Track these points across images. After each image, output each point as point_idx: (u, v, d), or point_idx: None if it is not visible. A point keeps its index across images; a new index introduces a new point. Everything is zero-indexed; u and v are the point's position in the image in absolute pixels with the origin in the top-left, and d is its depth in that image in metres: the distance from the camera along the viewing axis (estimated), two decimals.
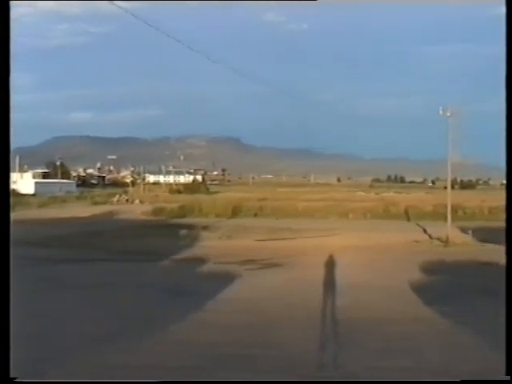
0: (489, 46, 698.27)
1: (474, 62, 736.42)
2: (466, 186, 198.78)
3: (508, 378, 7.35)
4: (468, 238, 41.75)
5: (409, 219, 63.13)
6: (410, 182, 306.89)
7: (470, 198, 79.07)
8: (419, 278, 23.81)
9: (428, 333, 14.68)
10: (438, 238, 41.29)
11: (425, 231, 46.52)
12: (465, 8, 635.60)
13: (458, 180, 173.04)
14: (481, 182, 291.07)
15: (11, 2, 7.24)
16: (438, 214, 55.62)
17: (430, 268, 26.84)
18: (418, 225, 52.27)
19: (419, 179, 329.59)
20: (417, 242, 40.04)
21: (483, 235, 42.11)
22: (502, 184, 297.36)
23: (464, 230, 44.55)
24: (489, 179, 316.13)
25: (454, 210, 52.02)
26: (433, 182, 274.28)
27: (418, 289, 20.96)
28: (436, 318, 16.29)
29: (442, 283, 22.90)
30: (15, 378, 7.26)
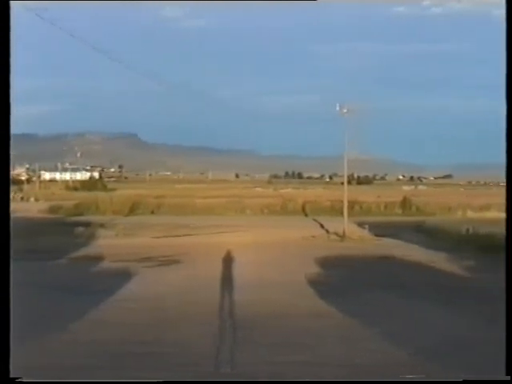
0: (387, 45, 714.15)
1: (373, 60, 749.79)
2: (363, 181, 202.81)
3: (508, 378, 7.45)
4: (364, 233, 42.48)
5: (306, 215, 63.78)
6: (308, 178, 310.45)
7: (366, 194, 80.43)
8: (316, 273, 24.00)
9: (325, 326, 14.75)
10: (335, 233, 41.85)
11: (322, 226, 47.08)
12: (365, 7, 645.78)
13: (355, 176, 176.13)
14: (377, 177, 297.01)
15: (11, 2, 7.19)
16: (335, 210, 56.36)
17: (326, 263, 27.13)
18: (316, 220, 52.87)
19: (317, 175, 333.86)
20: (314, 237, 40.43)
21: (379, 230, 42.95)
22: (397, 179, 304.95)
23: (360, 225, 45.29)
24: (385, 175, 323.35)
25: (351, 205, 52.80)
26: (330, 178, 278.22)
27: (315, 283, 21.11)
28: (333, 312, 16.41)
29: (339, 277, 23.15)
30: (15, 378, 7.28)
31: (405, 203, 71.41)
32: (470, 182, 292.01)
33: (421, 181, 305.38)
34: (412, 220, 52.62)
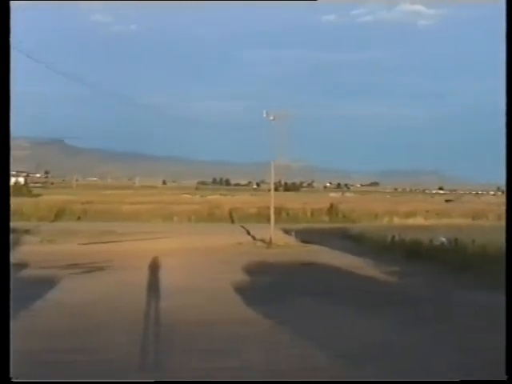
0: (317, 52, 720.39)
1: (303, 67, 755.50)
2: (290, 188, 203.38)
3: (507, 377, 7.32)
4: (291, 240, 42.60)
5: (233, 221, 63.80)
6: (236, 185, 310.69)
7: (293, 201, 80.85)
8: (242, 280, 23.90)
9: (251, 333, 14.65)
10: (262, 240, 41.90)
11: (248, 233, 47.13)
12: (295, 14, 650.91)
13: (283, 182, 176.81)
14: (305, 184, 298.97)
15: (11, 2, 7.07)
16: (262, 216, 56.60)
17: (252, 269, 27.07)
18: (243, 227, 52.88)
19: (244, 182, 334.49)
20: (240, 243, 40.41)
21: (305, 236, 43.15)
22: (325, 186, 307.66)
23: (287, 232, 45.43)
24: (312, 182, 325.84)
25: (278, 212, 53.03)
26: (257, 185, 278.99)
27: (242, 290, 21.01)
28: (259, 319, 16.33)
29: (265, 284, 23.12)
30: (15, 378, 7.31)
31: (331, 210, 72.05)
32: (396, 189, 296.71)
33: (348, 188, 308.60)
34: (339, 227, 53.05)
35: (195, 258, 32.41)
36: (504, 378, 7.31)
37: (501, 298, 19.65)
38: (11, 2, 7.04)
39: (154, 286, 22.07)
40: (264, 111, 44.29)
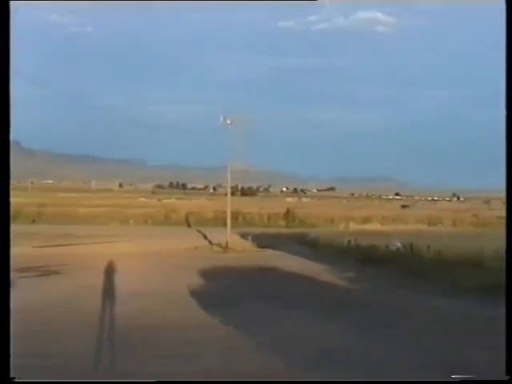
0: (274, 58, 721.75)
1: (261, 73, 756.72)
2: (247, 192, 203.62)
3: (508, 377, 7.37)
4: (247, 244, 42.58)
5: (189, 225, 63.63)
6: (192, 189, 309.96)
7: (250, 205, 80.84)
8: (199, 284, 23.83)
9: (207, 337, 14.60)
10: (218, 244, 41.84)
11: (205, 237, 47.01)
12: (253, 20, 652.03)
13: (239, 187, 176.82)
14: (261, 189, 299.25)
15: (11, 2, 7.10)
16: (219, 220, 56.53)
17: (209, 274, 27.00)
18: (199, 231, 52.71)
19: (201, 186, 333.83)
20: (197, 248, 40.31)
21: (262, 241, 43.14)
22: (281, 191, 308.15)
23: (244, 236, 45.42)
24: (269, 186, 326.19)
25: (234, 216, 53.01)
26: (214, 189, 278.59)
27: (198, 294, 20.94)
28: (215, 323, 16.29)
29: (221, 288, 23.09)
30: (15, 378, 7.45)
31: (288, 215, 72.22)
32: (353, 195, 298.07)
33: (304, 193, 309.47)
34: (295, 232, 53.18)
35: (151, 261, 32.25)
36: (504, 378, 7.41)
37: (456, 303, 19.77)
38: (11, 2, 7.10)
39: (109, 290, 21.85)
40: (221, 116, 44.28)
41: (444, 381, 10.59)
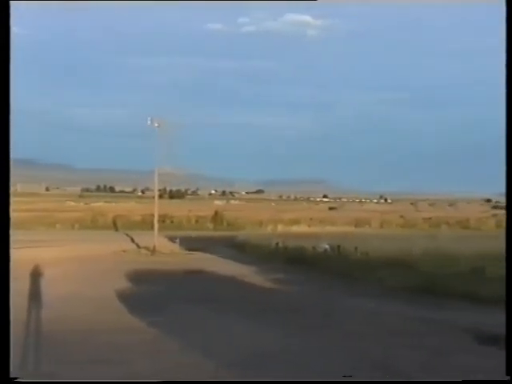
0: (202, 60, 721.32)
1: (188, 75, 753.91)
2: (175, 195, 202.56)
3: (508, 378, 7.36)
4: (175, 247, 42.47)
5: (117, 229, 63.14)
6: (120, 192, 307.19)
7: (178, 208, 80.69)
8: (126, 288, 23.65)
9: (135, 341, 14.47)
10: (146, 247, 41.61)
11: (133, 241, 46.70)
12: (180, 22, 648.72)
13: (168, 190, 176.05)
14: (190, 192, 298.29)
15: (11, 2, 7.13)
16: (147, 224, 56.17)
17: (137, 277, 26.82)
18: (127, 234, 52.33)
19: (129, 189, 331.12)
20: (125, 251, 40.02)
21: (190, 244, 43.07)
22: (210, 194, 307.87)
23: (172, 239, 45.26)
24: (197, 189, 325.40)
25: (162, 219, 52.88)
26: (142, 192, 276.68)
27: (125, 298, 20.77)
28: (143, 327, 16.21)
29: (149, 292, 22.92)
30: (15, 378, 7.57)
31: (216, 218, 72.28)
32: (281, 197, 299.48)
33: (233, 195, 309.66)
34: (223, 234, 53.29)
35: (78, 266, 31.81)
36: (504, 378, 7.45)
37: (382, 303, 19.91)
38: (11, 2, 7.15)
39: (35, 295, 21.47)
40: (148, 118, 44.09)
41: (444, 381, 10.65)
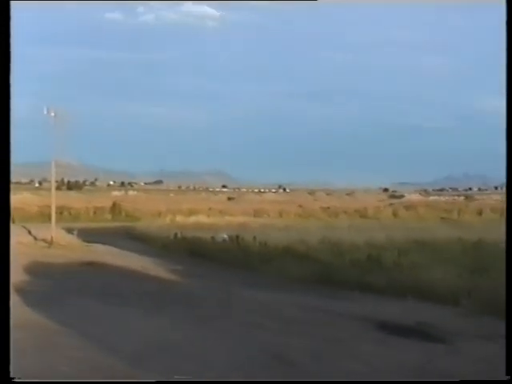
0: (98, 51, 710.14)
1: (83, 66, 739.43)
2: (73, 186, 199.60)
3: (508, 377, 7.36)
4: (73, 239, 41.96)
5: (14, 221, 61.77)
6: (17, 183, 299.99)
7: (76, 200, 79.63)
8: (22, 281, 23.20)
9: (30, 336, 14.24)
10: (43, 240, 40.97)
11: (30, 233, 45.81)
12: (77, 11, 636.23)
13: (65, 181, 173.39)
14: (88, 183, 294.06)
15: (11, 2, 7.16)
16: (44, 215, 55.23)
17: (33, 270, 26.39)
18: (24, 227, 51.29)
19: (26, 180, 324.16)
20: (21, 243, 39.20)
21: (88, 236, 42.65)
22: (108, 185, 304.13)
23: (69, 231, 44.72)
24: (95, 180, 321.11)
25: (60, 211, 52.11)
26: (40, 183, 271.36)
27: (21, 292, 20.39)
28: (39, 321, 15.99)
29: (46, 285, 22.66)
30: (15, 378, 7.40)
31: (114, 209, 71.72)
32: (180, 188, 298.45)
33: (132, 186, 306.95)
34: (122, 225, 52.93)
35: None
36: (504, 378, 7.51)
37: (279, 294, 20.19)
38: (11, 2, 7.27)
39: None
40: (45, 108, 43.35)
41: (444, 381, 10.83)
